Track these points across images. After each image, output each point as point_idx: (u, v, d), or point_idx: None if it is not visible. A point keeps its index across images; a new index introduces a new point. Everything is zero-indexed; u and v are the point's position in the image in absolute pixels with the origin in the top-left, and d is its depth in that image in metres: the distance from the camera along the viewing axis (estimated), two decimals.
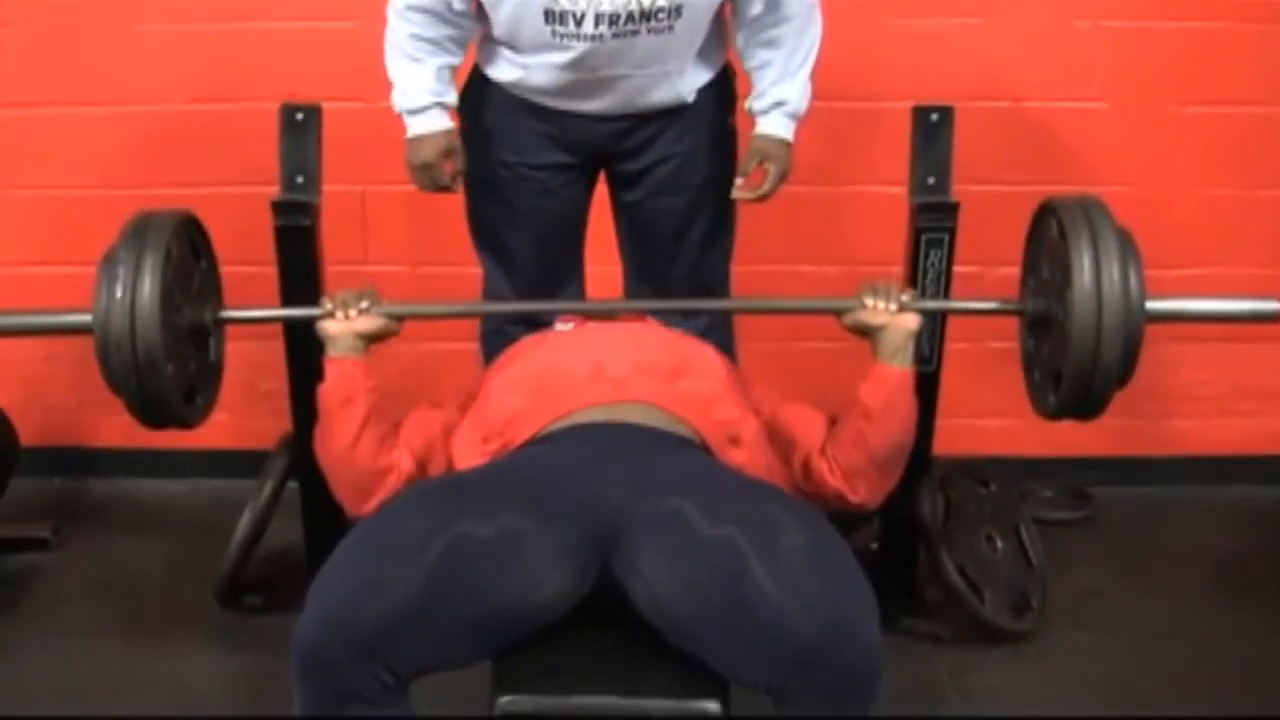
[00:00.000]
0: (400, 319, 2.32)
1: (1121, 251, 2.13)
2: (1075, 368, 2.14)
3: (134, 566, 3.12)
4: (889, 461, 2.26)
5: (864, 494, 2.24)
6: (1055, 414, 2.30)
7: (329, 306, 2.28)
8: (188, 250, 2.32)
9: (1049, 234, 2.27)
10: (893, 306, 2.27)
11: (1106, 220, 2.17)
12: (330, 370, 2.24)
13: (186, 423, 2.32)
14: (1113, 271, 2.10)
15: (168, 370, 2.18)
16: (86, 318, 2.18)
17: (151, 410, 2.23)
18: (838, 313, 2.32)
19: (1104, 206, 2.21)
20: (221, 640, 2.80)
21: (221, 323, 2.42)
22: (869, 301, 2.28)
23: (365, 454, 2.18)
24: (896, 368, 2.25)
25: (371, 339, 2.27)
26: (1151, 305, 2.16)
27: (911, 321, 2.27)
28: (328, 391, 2.22)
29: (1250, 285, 3.39)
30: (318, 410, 2.23)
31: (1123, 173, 3.23)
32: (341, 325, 2.25)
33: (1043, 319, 2.30)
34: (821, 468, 2.23)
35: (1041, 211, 2.33)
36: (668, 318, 2.65)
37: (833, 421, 2.30)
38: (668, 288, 2.82)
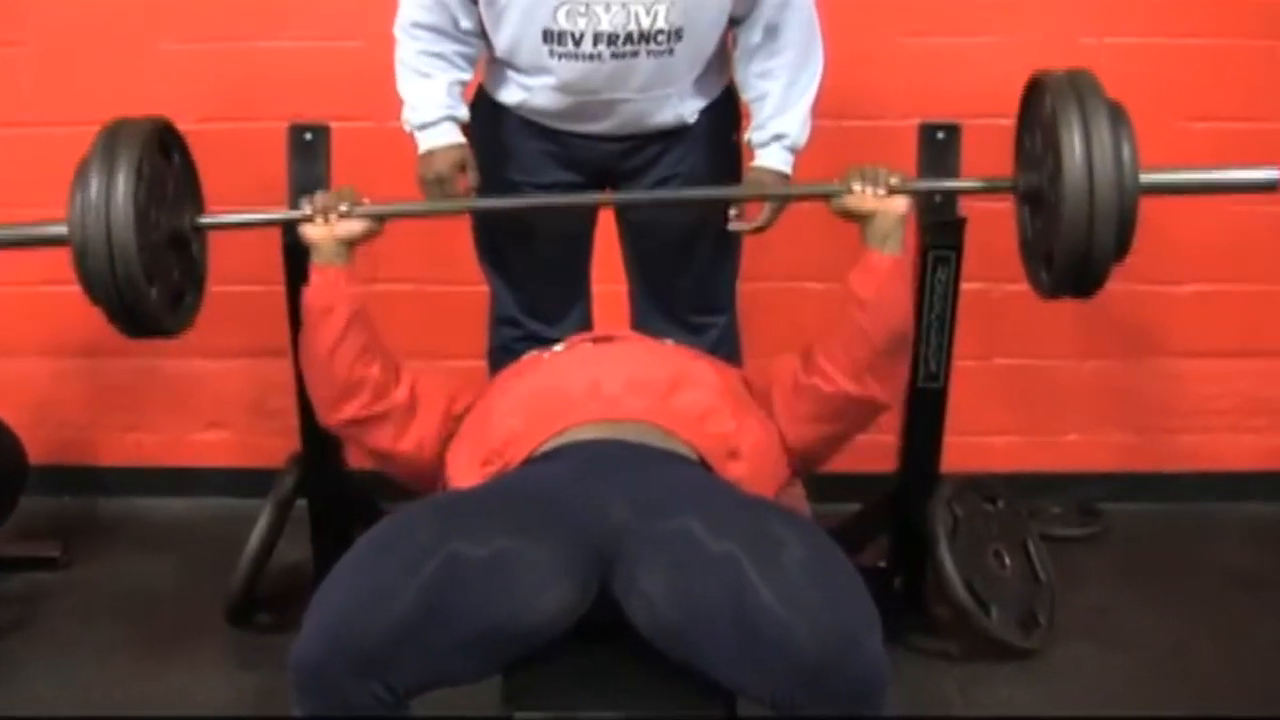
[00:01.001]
0: (382, 219, 2.33)
1: (1113, 124, 2.11)
2: (1069, 243, 2.11)
3: (143, 585, 3.12)
4: (893, 351, 2.25)
5: (877, 388, 2.24)
6: (1051, 292, 2.27)
7: (308, 211, 2.29)
8: (162, 158, 2.32)
9: (1039, 109, 2.24)
10: (881, 191, 2.25)
11: (1097, 94, 2.14)
12: (314, 277, 2.26)
13: (169, 332, 2.33)
14: (1104, 145, 2.08)
15: (146, 280, 2.18)
16: (63, 229, 2.19)
17: (133, 321, 2.25)
18: (825, 198, 2.31)
19: (1095, 80, 2.18)
20: (231, 658, 2.81)
21: (201, 229, 2.42)
22: (856, 187, 2.26)
23: (342, 363, 2.21)
24: (888, 254, 2.24)
25: (355, 242, 2.29)
26: (1145, 178, 2.13)
27: (900, 205, 2.26)
28: (310, 298, 2.25)
29: (1260, 300, 3.40)
30: (301, 315, 2.27)
31: None
32: (322, 231, 2.27)
33: (1036, 195, 2.27)
34: (818, 377, 2.22)
35: (1031, 87, 2.31)
36: (673, 332, 2.66)
37: (803, 359, 2.29)
38: (674, 305, 2.83)
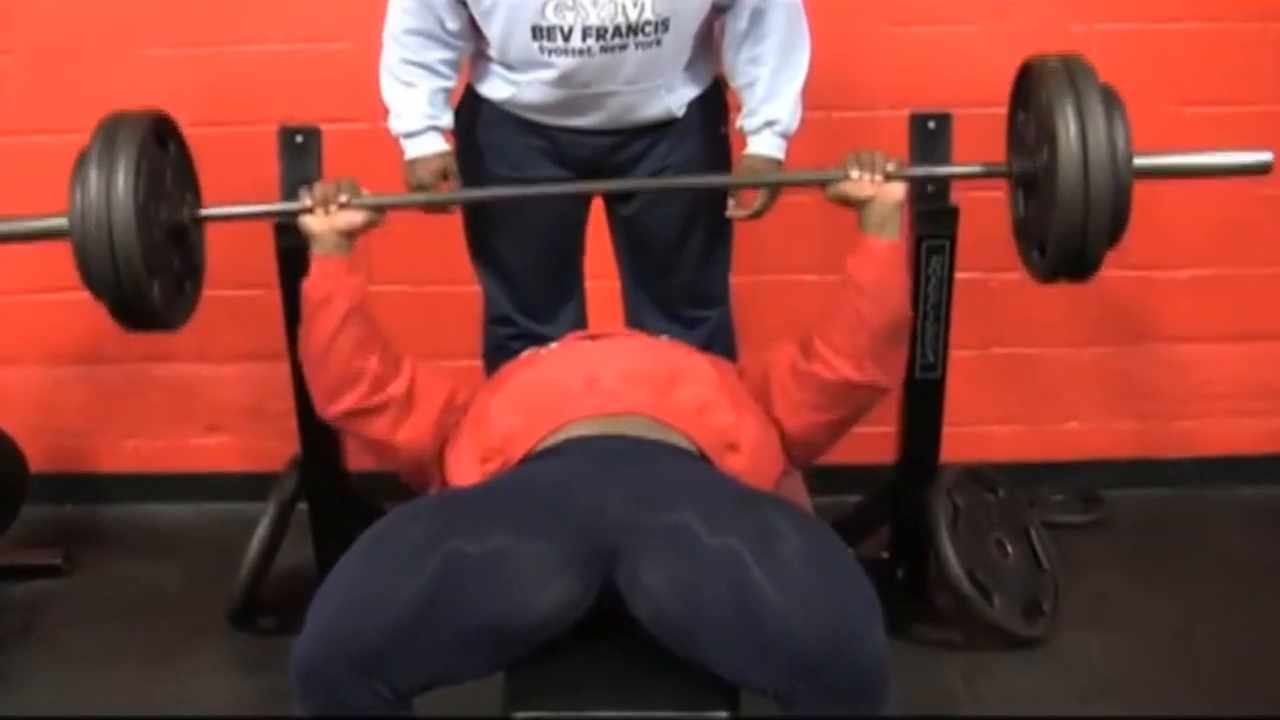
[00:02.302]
0: (382, 209, 2.32)
1: (1107, 108, 2.12)
2: (1064, 227, 2.13)
3: (145, 591, 3.12)
4: (893, 336, 2.25)
5: (875, 372, 2.22)
6: (1047, 275, 2.27)
7: (308, 202, 2.27)
8: (160, 150, 2.32)
9: (1033, 94, 2.25)
10: (878, 177, 2.25)
11: (1090, 78, 2.16)
12: (314, 268, 2.25)
13: (168, 324, 2.32)
14: (1099, 129, 2.09)
15: (148, 274, 2.18)
16: (63, 222, 2.19)
17: (132, 313, 2.24)
18: (821, 184, 2.31)
19: (1088, 65, 2.19)
20: (235, 662, 2.82)
21: (200, 220, 2.43)
22: (854, 173, 2.26)
23: (339, 355, 2.20)
24: (885, 239, 2.23)
25: (355, 233, 2.28)
26: (1139, 161, 2.15)
27: (898, 191, 2.25)
28: (309, 289, 2.23)
29: (1256, 284, 3.40)
30: (300, 305, 2.26)
31: None
32: (323, 222, 2.25)
33: (1030, 180, 2.28)
34: (818, 363, 2.21)
35: (1024, 72, 2.31)
36: (667, 326, 2.66)
37: (801, 346, 2.27)
38: (667, 300, 2.83)
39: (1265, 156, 2.24)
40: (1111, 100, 2.14)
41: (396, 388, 2.23)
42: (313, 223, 2.26)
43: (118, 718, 2.56)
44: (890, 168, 2.26)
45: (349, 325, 2.19)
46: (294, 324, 2.58)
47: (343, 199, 2.26)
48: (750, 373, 2.34)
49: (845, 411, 2.28)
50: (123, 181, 2.14)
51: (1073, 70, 2.16)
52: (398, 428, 2.24)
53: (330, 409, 2.25)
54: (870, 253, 2.22)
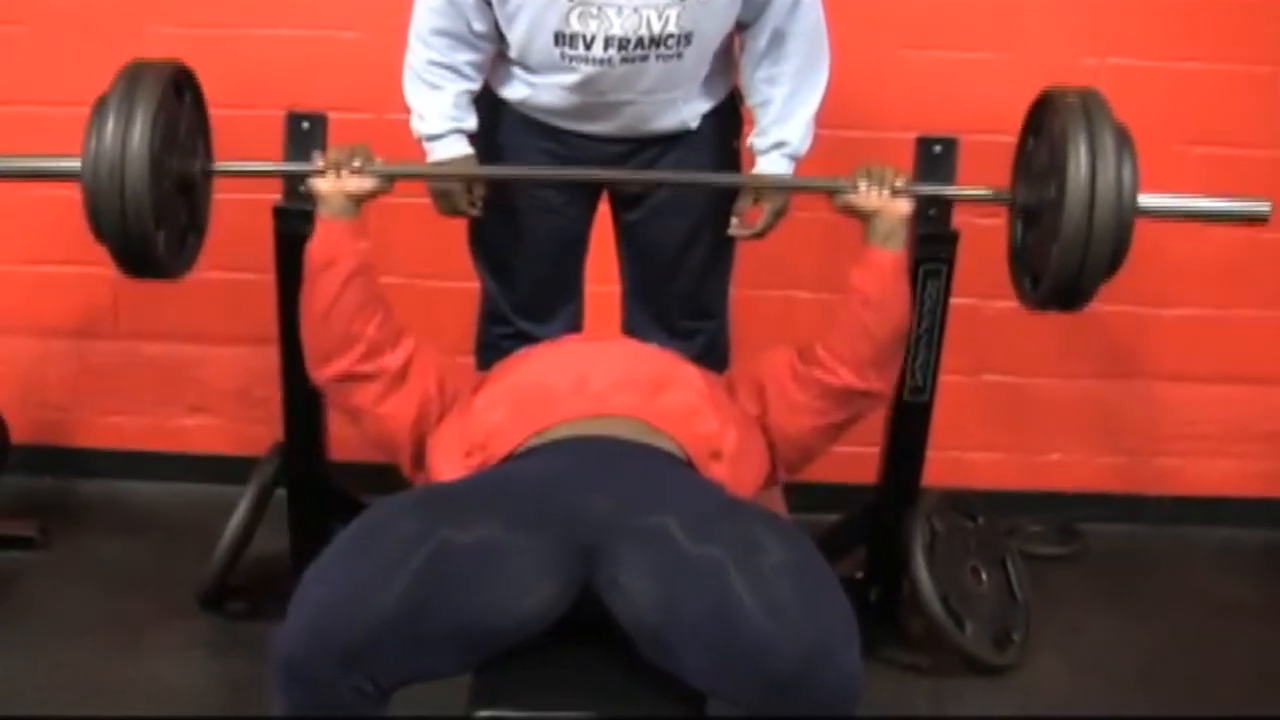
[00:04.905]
0: (393, 179, 2.33)
1: (1117, 146, 2.15)
2: (1064, 260, 2.16)
3: (120, 568, 3.11)
4: (894, 345, 2.31)
5: (876, 380, 2.28)
6: (1041, 303, 2.31)
7: (321, 165, 2.29)
8: (180, 101, 2.33)
9: (1047, 125, 2.28)
10: (885, 192, 2.28)
11: (1104, 114, 2.19)
12: (319, 230, 2.26)
13: (167, 274, 2.33)
14: (1108, 167, 2.13)
15: (155, 225, 2.19)
16: (75, 164, 2.19)
17: (134, 259, 2.24)
18: (829, 193, 2.34)
19: (1103, 100, 2.22)
20: (204, 645, 2.80)
21: (210, 175, 2.44)
22: (862, 186, 2.30)
23: (340, 319, 2.20)
24: (890, 251, 2.27)
25: (363, 199, 2.29)
26: (1143, 201, 2.18)
27: (904, 207, 2.30)
28: (313, 251, 2.24)
29: (1247, 326, 3.40)
30: (303, 268, 2.26)
31: None
32: (333, 185, 2.26)
33: (1033, 210, 2.32)
34: (819, 368, 2.25)
35: (1040, 101, 2.34)
36: (662, 337, 2.66)
37: (800, 351, 2.30)
38: (665, 309, 2.83)
39: (1264, 207, 2.28)
40: (1123, 139, 2.17)
41: (392, 360, 2.23)
42: (322, 185, 2.27)
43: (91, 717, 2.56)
44: (899, 183, 2.30)
45: (350, 289, 2.20)
46: (287, 310, 2.58)
47: (355, 164, 2.28)
48: (740, 379, 2.35)
49: (844, 415, 2.32)
50: (139, 132, 2.15)
51: (1089, 106, 2.20)
52: (383, 401, 2.24)
53: (321, 372, 2.26)
54: (875, 265, 2.26)
